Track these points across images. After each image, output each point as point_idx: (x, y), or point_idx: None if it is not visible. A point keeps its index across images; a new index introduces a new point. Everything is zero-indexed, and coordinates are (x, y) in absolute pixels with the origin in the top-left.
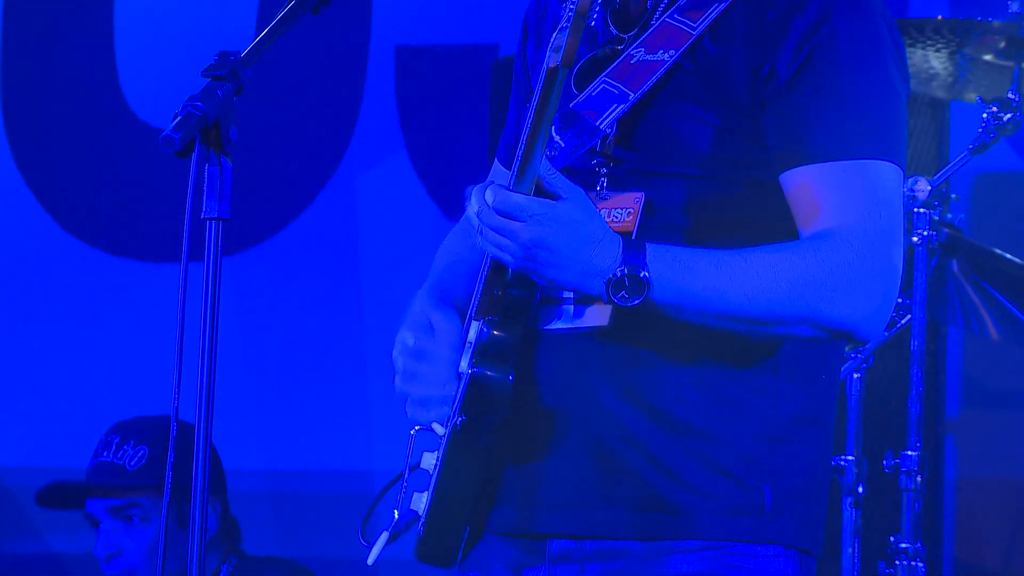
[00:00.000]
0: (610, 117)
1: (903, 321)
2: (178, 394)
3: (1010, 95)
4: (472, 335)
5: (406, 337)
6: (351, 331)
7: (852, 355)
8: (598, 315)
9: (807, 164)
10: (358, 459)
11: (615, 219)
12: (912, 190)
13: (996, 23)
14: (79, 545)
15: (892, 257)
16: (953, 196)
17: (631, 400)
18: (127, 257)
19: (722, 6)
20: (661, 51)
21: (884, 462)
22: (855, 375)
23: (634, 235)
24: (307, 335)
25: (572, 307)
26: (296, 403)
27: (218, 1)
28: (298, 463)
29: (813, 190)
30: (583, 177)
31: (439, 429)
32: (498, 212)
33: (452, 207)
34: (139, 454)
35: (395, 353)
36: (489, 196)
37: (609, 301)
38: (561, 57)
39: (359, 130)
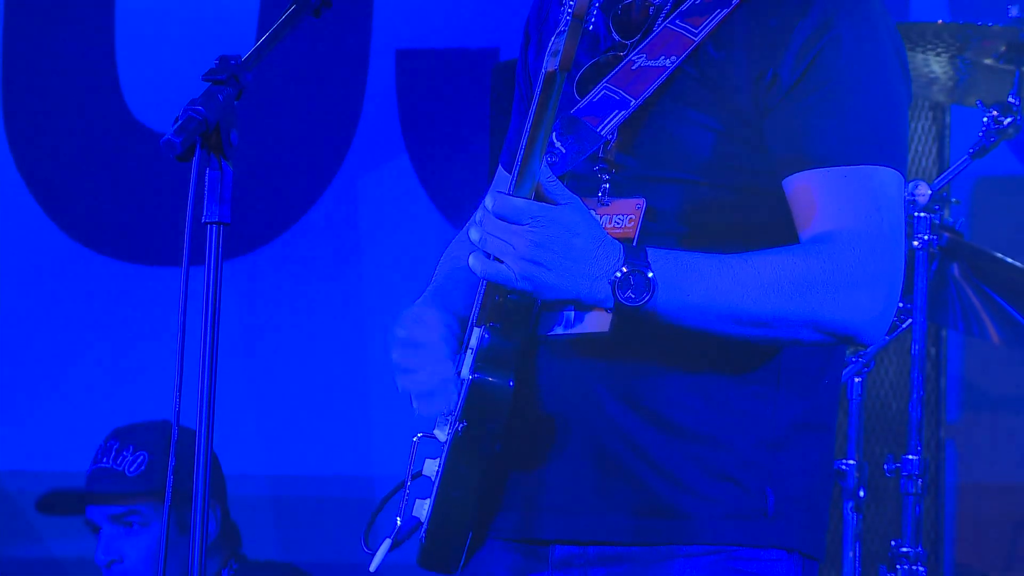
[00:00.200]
0: (611, 123)
1: (904, 325)
2: (179, 398)
3: (1010, 99)
4: (473, 341)
5: (397, 331)
6: (352, 335)
7: (853, 359)
8: (599, 321)
9: (809, 169)
10: (358, 464)
11: (616, 225)
12: (913, 194)
13: (996, 27)
14: (80, 550)
15: (894, 260)
16: (954, 200)
17: (632, 405)
18: (128, 261)
19: (724, 12)
20: (663, 57)
21: (885, 466)
22: (856, 379)
23: (635, 241)
24: (307, 339)
25: (573, 313)
26: (296, 408)
27: (219, 5)
28: (298, 468)
29: (814, 194)
30: (584, 183)
31: (441, 436)
32: (498, 216)
33: (453, 211)
34: (139, 460)
35: (392, 353)
36: (489, 202)
37: (615, 303)
38: (559, 61)
39: (360, 134)
